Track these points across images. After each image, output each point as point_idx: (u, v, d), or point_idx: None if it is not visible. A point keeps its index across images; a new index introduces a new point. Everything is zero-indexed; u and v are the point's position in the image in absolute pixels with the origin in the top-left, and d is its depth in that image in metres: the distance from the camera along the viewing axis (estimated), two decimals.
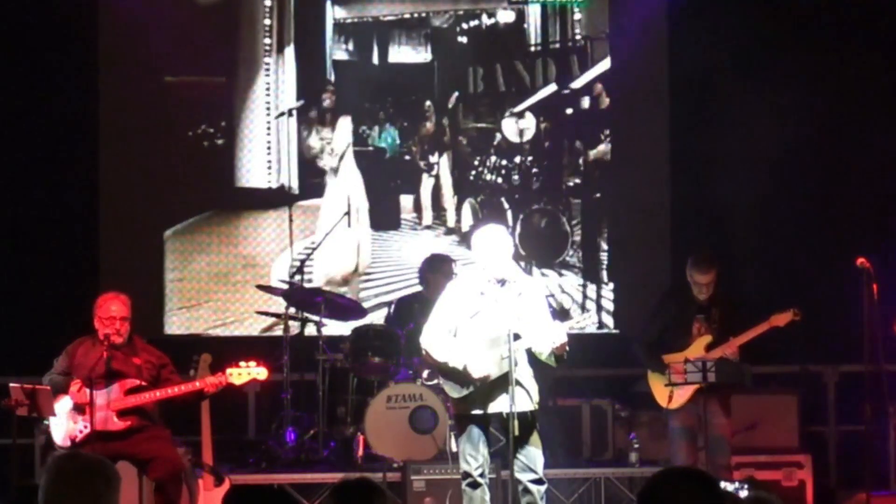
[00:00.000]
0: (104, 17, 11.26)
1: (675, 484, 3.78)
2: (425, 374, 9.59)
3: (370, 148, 11.72)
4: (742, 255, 10.87)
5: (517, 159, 11.76)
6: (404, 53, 11.82)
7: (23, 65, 10.96)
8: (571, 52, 11.80)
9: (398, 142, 11.74)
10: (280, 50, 11.70)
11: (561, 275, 11.62)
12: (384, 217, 11.67)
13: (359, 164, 11.69)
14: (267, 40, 11.69)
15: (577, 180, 11.73)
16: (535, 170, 11.77)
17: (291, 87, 11.71)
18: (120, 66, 11.28)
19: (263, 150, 11.71)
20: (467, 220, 11.65)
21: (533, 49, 11.83)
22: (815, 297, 8.89)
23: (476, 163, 11.78)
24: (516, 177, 11.76)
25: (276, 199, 11.65)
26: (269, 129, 11.74)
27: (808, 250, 10.66)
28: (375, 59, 11.78)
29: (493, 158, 11.77)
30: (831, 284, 9.65)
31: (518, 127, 11.72)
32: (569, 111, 11.79)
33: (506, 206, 11.70)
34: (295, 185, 11.69)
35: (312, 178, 11.70)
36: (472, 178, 11.77)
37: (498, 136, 11.74)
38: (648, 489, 3.80)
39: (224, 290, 11.36)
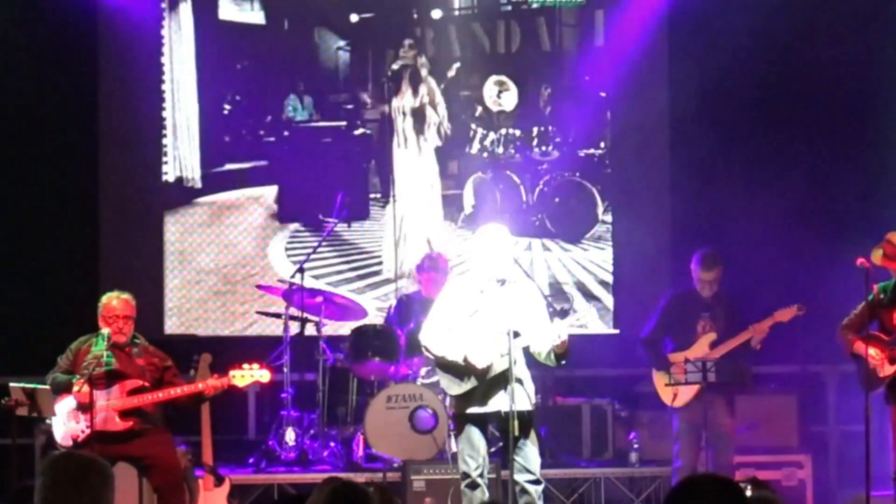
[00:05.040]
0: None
1: (702, 490, 3.78)
2: (424, 372, 9.59)
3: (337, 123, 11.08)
4: (742, 254, 10.86)
5: (535, 130, 11.16)
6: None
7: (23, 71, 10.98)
8: (538, 14, 11.21)
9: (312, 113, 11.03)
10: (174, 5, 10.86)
11: (603, 249, 11.30)
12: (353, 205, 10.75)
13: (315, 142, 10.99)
14: None
15: (597, 150, 11.22)
16: (555, 139, 11.19)
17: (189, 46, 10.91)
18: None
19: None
20: (469, 200, 11.21)
21: (461, 11, 11.12)
22: (814, 297, 8.88)
23: (479, 135, 11.15)
24: (538, 148, 11.15)
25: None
26: (163, 105, 10.99)
27: (808, 250, 10.64)
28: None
29: (505, 130, 11.15)
30: (831, 284, 9.64)
31: (500, 96, 11.19)
32: (586, 77, 11.19)
33: (516, 180, 11.29)
34: (196, 176, 11.05)
35: (213, 168, 10.97)
36: (473, 152, 11.24)
37: (479, 107, 11.21)
38: (675, 495, 3.79)
39: (224, 289, 11.33)
